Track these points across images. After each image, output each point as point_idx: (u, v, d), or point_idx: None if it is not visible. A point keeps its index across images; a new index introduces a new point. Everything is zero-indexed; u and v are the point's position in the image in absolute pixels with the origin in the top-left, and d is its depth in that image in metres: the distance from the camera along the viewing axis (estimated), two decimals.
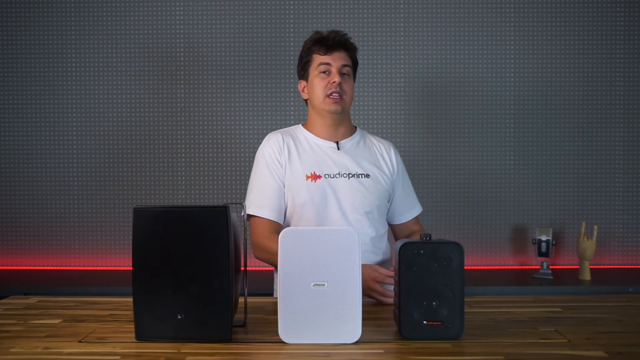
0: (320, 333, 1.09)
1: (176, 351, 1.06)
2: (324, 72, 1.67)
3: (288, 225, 1.71)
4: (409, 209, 1.80)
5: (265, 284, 1.91)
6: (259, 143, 2.67)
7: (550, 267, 2.49)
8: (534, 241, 2.50)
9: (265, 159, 1.70)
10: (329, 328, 1.09)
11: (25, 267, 2.71)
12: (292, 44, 2.70)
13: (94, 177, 2.72)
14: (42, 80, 2.73)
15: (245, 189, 2.69)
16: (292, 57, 2.69)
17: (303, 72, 1.74)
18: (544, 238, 2.47)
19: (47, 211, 2.73)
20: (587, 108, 2.70)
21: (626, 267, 2.67)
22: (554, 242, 2.47)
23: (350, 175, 1.69)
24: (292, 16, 2.71)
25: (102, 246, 2.72)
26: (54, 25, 2.72)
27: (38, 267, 2.72)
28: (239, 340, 1.12)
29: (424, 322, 1.10)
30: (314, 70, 1.69)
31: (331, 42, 1.67)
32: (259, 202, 1.68)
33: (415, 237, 1.76)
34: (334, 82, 1.65)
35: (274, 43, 2.70)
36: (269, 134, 1.76)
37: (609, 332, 1.18)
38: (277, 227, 1.66)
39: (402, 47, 2.70)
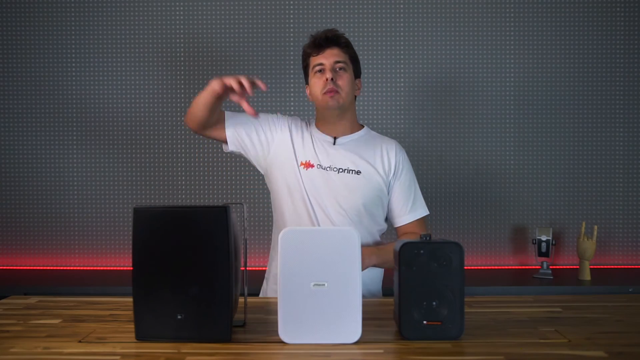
0: (320, 333, 1.09)
1: (176, 351, 1.06)
2: (319, 71, 1.71)
3: (275, 209, 1.78)
4: (407, 212, 1.76)
5: None
6: None
7: (550, 267, 2.49)
8: (534, 241, 2.50)
9: (275, 116, 1.78)
10: (329, 328, 1.09)
11: (25, 267, 2.71)
12: (292, 44, 2.70)
13: (94, 177, 2.73)
14: (42, 80, 2.73)
15: (245, 189, 2.72)
16: (292, 57, 2.69)
17: (306, 77, 1.79)
18: (544, 238, 2.47)
19: (47, 211, 2.73)
20: (587, 108, 2.70)
21: (626, 267, 2.67)
22: (554, 242, 2.47)
23: (341, 170, 1.70)
24: (292, 16, 2.71)
25: (102, 246, 2.72)
26: (54, 25, 2.72)
27: (38, 267, 2.71)
28: (239, 340, 1.12)
29: (424, 322, 1.10)
30: (311, 72, 1.74)
31: (321, 40, 1.70)
32: (233, 116, 1.74)
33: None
34: (326, 79, 1.67)
35: (274, 43, 2.70)
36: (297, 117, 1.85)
37: (609, 332, 1.18)
38: (223, 117, 1.72)
39: (402, 47, 2.70)
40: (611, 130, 2.69)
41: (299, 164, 1.71)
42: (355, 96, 1.78)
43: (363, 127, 1.81)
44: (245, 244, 1.28)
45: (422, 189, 2.66)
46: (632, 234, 2.69)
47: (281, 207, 1.73)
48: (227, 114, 1.74)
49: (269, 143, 1.74)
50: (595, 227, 2.46)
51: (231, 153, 1.79)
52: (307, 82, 1.79)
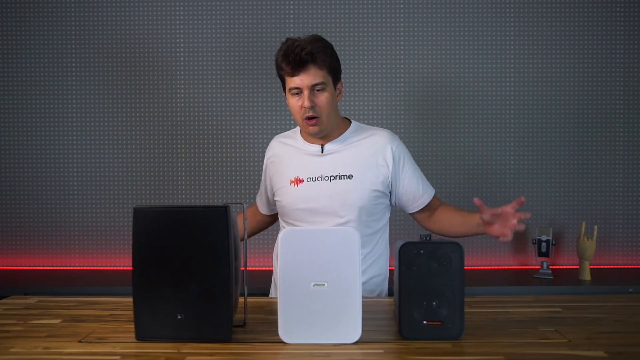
0: (320, 333, 1.09)
1: (176, 351, 1.06)
2: (296, 93, 1.59)
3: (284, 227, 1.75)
4: (420, 196, 1.71)
5: (265, 284, 1.91)
6: (259, 143, 2.71)
7: (550, 267, 2.49)
8: (534, 241, 2.50)
9: (264, 165, 1.84)
10: (329, 328, 1.09)
11: (25, 267, 2.71)
12: None
13: (94, 177, 2.73)
14: (42, 80, 2.73)
15: (245, 189, 2.73)
16: None
17: (283, 85, 1.67)
18: (544, 238, 2.47)
19: (47, 211, 2.73)
20: (587, 108, 2.70)
21: (626, 267, 2.67)
22: (554, 242, 2.47)
23: (332, 178, 1.64)
24: (292, 16, 2.71)
25: (102, 246, 2.72)
26: (54, 25, 2.71)
27: (38, 267, 2.71)
28: (239, 340, 1.12)
29: (424, 322, 1.10)
30: (288, 91, 1.62)
31: (295, 62, 1.55)
32: (258, 198, 1.93)
33: (445, 210, 1.73)
34: (304, 107, 1.58)
35: (274, 43, 2.70)
36: (274, 138, 1.83)
37: (609, 332, 1.18)
38: (260, 214, 1.92)
39: (402, 47, 2.70)
40: (611, 130, 2.69)
41: (289, 183, 1.67)
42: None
43: (350, 122, 1.74)
44: (245, 244, 1.28)
45: None
46: (632, 234, 2.69)
47: (287, 224, 1.73)
48: (257, 204, 1.92)
49: (273, 190, 1.78)
50: (595, 227, 2.46)
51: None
52: (284, 91, 1.66)
